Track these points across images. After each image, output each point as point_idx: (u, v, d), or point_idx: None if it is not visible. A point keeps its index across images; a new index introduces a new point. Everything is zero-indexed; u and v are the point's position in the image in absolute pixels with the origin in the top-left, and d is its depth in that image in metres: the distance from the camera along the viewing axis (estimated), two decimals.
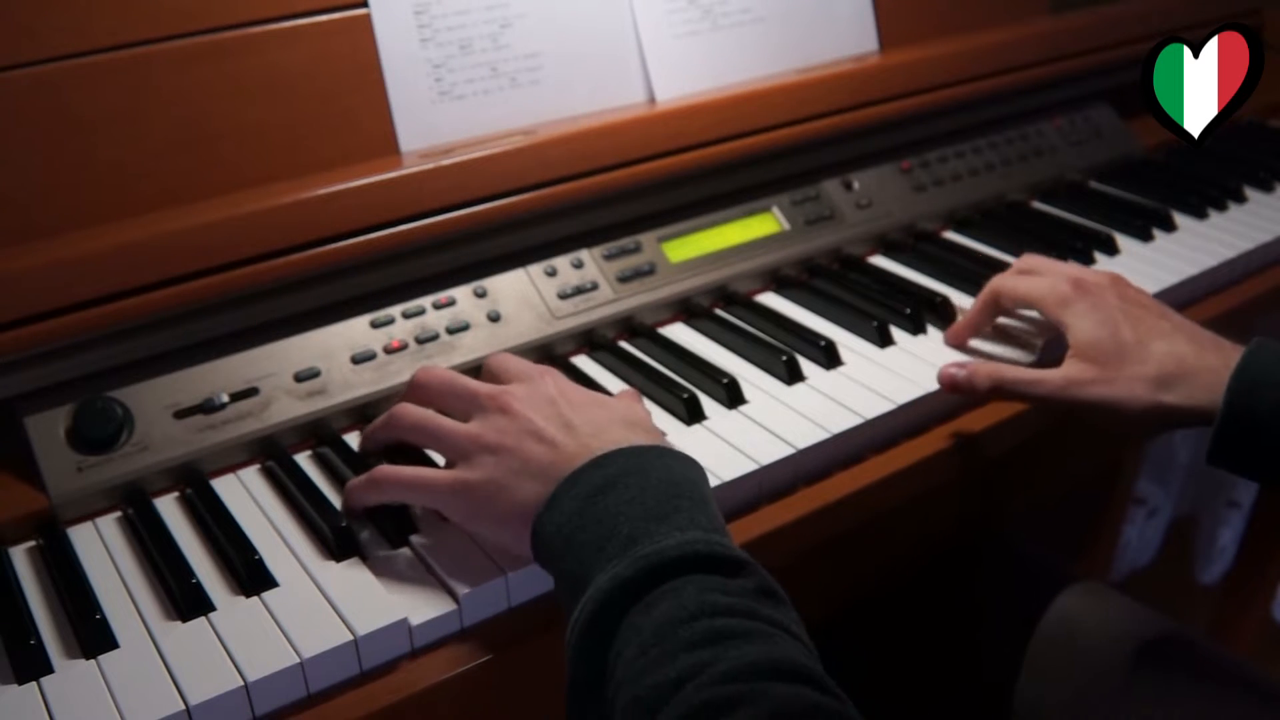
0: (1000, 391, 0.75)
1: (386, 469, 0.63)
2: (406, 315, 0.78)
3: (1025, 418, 0.79)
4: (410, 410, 0.65)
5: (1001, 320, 0.85)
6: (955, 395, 0.77)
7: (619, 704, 0.47)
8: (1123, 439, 1.21)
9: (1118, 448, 1.29)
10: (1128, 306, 0.74)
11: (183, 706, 0.53)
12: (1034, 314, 0.84)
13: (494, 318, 0.80)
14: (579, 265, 0.85)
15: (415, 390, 0.67)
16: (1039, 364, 0.80)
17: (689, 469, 0.58)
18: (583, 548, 0.54)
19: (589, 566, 0.53)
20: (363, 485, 0.64)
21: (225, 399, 0.71)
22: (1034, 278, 0.79)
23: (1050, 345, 0.81)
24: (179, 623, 0.59)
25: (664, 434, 0.64)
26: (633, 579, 0.50)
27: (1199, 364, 0.70)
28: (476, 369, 0.78)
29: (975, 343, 0.84)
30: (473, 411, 0.63)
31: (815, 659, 0.48)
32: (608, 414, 0.61)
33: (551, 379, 0.64)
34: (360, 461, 0.70)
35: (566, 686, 0.52)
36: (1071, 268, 0.79)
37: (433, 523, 0.66)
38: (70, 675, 0.56)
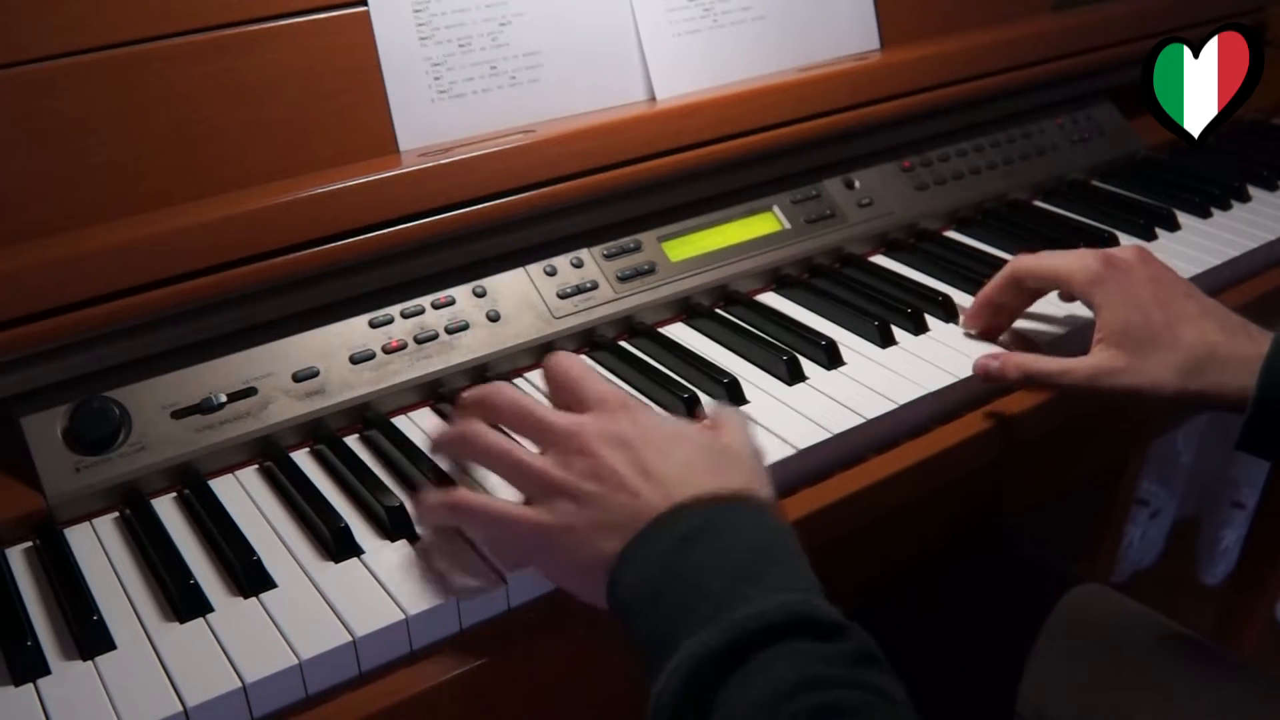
0: (1030, 381, 0.75)
1: (464, 496, 0.59)
2: (405, 315, 0.78)
3: (1028, 417, 0.79)
4: (487, 435, 0.60)
5: (1016, 325, 0.85)
6: (989, 384, 0.77)
7: None
8: (1127, 441, 1.20)
9: (1122, 449, 1.28)
10: (1157, 287, 0.73)
11: (180, 708, 0.53)
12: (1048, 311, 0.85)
13: (493, 317, 0.80)
14: (579, 264, 0.84)
15: (484, 408, 0.63)
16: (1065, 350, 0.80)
17: (774, 521, 0.55)
18: (668, 607, 0.51)
19: (675, 629, 0.50)
20: (438, 506, 0.60)
21: (223, 399, 0.71)
22: (1060, 253, 0.78)
23: (1068, 336, 0.82)
24: (177, 624, 0.59)
25: (760, 455, 0.61)
26: (725, 647, 0.48)
27: (1229, 351, 0.69)
28: (476, 369, 0.78)
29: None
30: (546, 444, 0.59)
31: None
32: (689, 454, 0.58)
33: (627, 415, 0.59)
34: (359, 462, 0.70)
35: None
36: (1098, 250, 0.78)
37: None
38: (67, 677, 0.56)
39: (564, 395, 0.63)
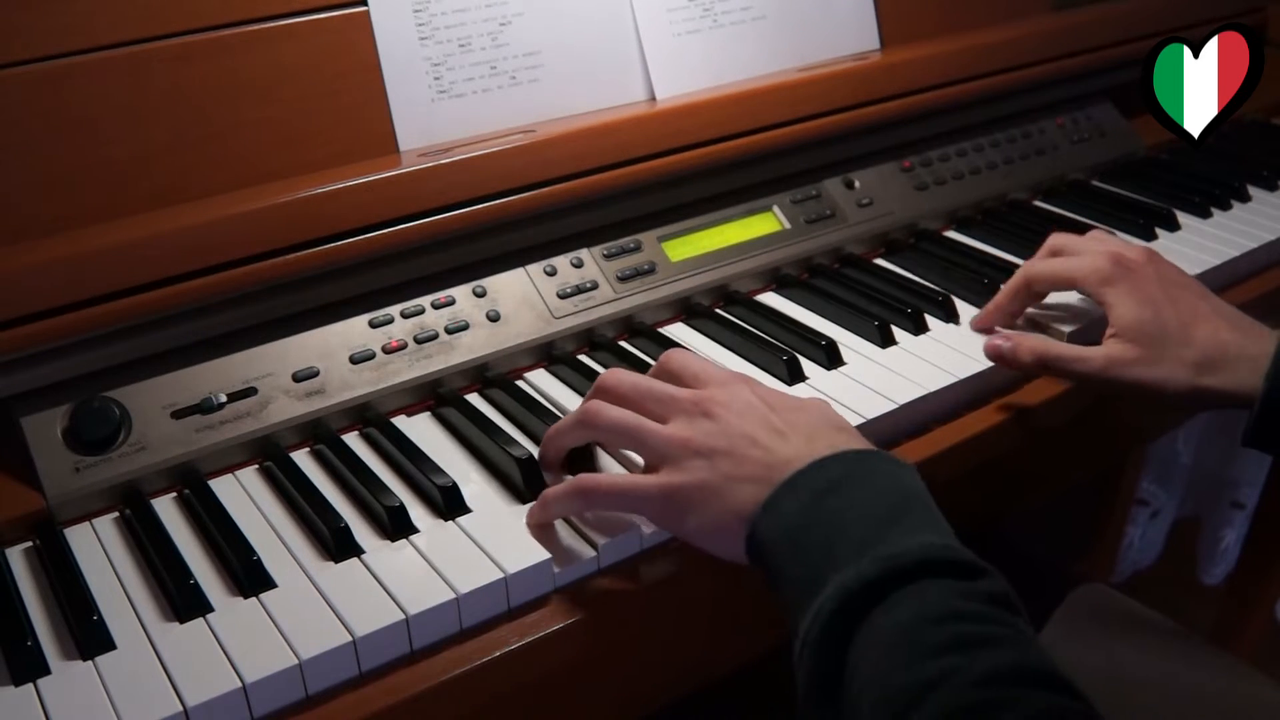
0: (1043, 366, 0.76)
1: (590, 478, 0.62)
2: (405, 315, 0.78)
3: (1026, 419, 0.79)
4: (607, 409, 0.63)
5: (1031, 311, 0.85)
6: (1000, 366, 0.78)
7: (865, 702, 0.47)
8: (1127, 441, 1.20)
9: (1122, 449, 1.28)
10: (1168, 286, 0.75)
11: (180, 708, 0.53)
12: (1065, 300, 0.85)
13: (493, 317, 0.80)
14: (579, 264, 0.84)
15: (602, 393, 0.65)
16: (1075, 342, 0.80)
17: (911, 475, 0.57)
18: (810, 550, 0.53)
19: (820, 569, 0.52)
20: (566, 495, 0.62)
21: (223, 399, 0.71)
22: (1069, 258, 0.79)
23: (1081, 331, 0.81)
24: (176, 624, 0.59)
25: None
26: (875, 580, 0.50)
27: (1239, 351, 0.71)
28: (476, 369, 0.78)
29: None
30: (671, 415, 0.61)
31: (1056, 664, 0.48)
32: (812, 417, 0.61)
33: (747, 385, 0.62)
34: (359, 462, 0.70)
35: (801, 686, 0.51)
36: (1108, 242, 0.79)
37: (432, 523, 0.65)
38: (67, 676, 0.56)
39: (683, 381, 0.65)
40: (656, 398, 0.63)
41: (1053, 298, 0.85)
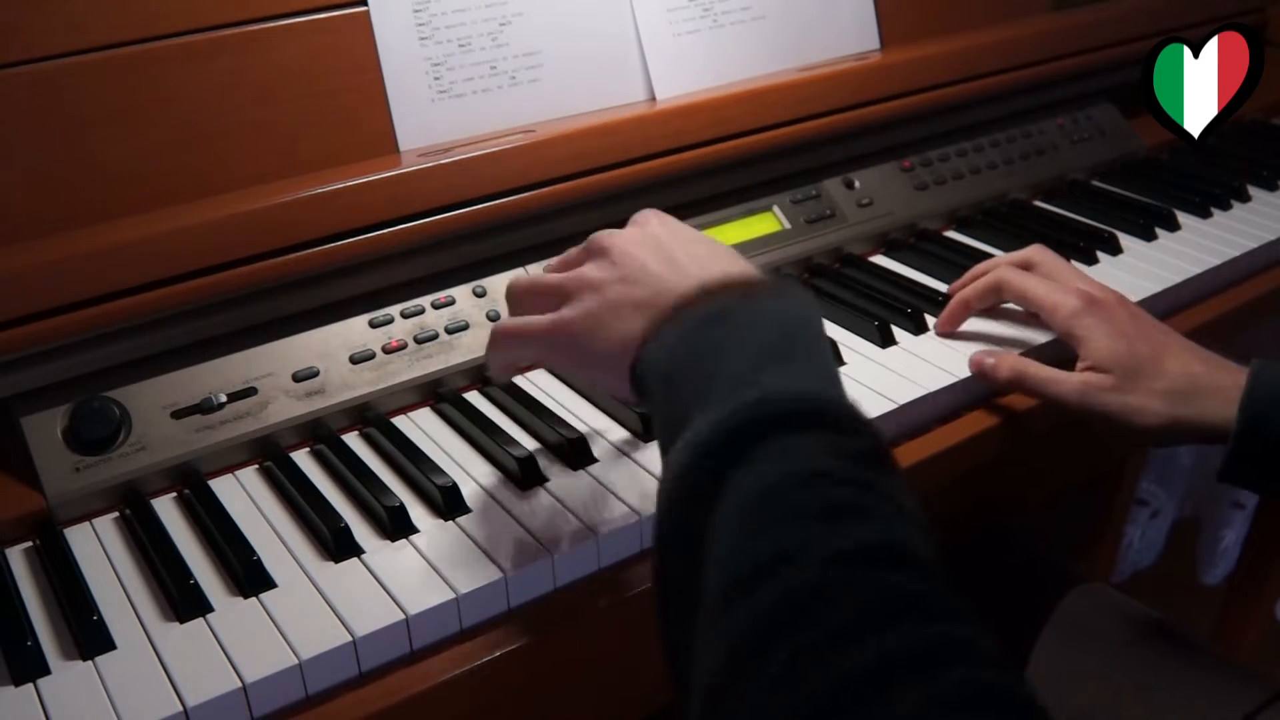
0: (1019, 385, 0.76)
1: (500, 324, 0.61)
2: (405, 315, 0.78)
3: (1027, 419, 0.79)
4: (503, 320, 0.62)
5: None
6: (980, 381, 0.77)
7: (714, 577, 0.42)
8: (1127, 441, 1.20)
9: (1121, 450, 1.28)
10: (1137, 323, 0.75)
11: (180, 708, 0.53)
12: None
13: (493, 317, 0.80)
14: None
15: (509, 303, 0.64)
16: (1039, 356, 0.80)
17: (805, 307, 0.53)
18: (683, 386, 0.49)
19: (688, 408, 0.48)
20: (488, 352, 0.63)
21: (223, 399, 0.71)
22: (1044, 281, 0.79)
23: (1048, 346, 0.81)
24: (176, 624, 0.59)
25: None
26: (736, 429, 0.45)
27: (1210, 382, 0.71)
28: (476, 369, 0.78)
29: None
30: (576, 265, 0.61)
31: (926, 533, 0.43)
32: (713, 249, 0.57)
33: (657, 219, 0.60)
34: (359, 462, 0.70)
35: (654, 542, 0.47)
36: (1080, 278, 0.79)
37: (432, 523, 0.65)
38: (67, 677, 0.56)
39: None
40: (558, 265, 0.62)
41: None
